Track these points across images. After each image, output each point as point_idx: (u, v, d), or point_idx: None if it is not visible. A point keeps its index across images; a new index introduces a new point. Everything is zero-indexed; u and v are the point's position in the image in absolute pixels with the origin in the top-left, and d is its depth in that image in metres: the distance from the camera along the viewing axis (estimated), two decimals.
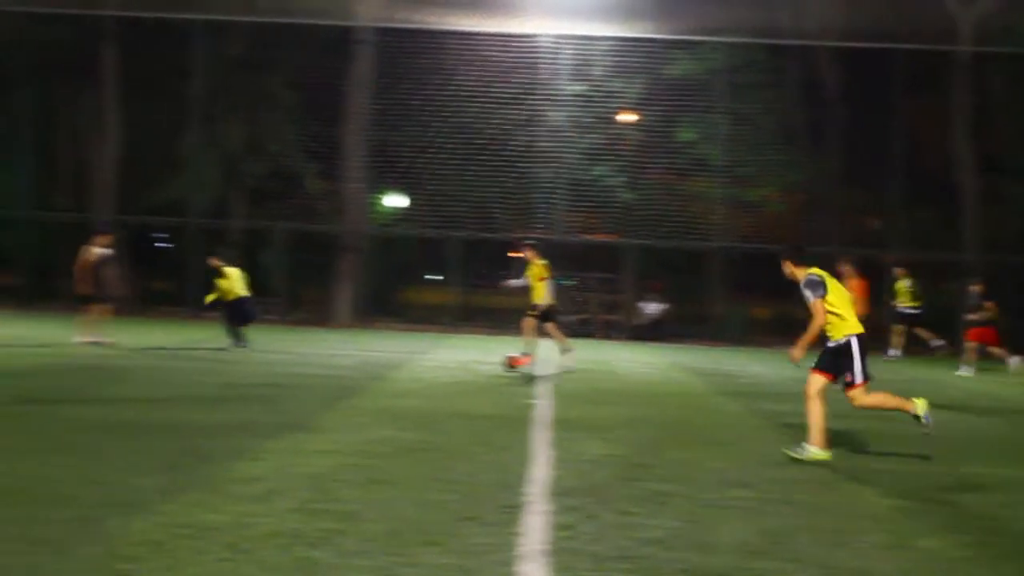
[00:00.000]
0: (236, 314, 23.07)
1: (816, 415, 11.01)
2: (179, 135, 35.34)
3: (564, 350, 21.05)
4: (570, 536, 7.44)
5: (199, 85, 34.88)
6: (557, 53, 34.79)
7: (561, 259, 31.26)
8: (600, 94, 35.08)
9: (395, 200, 37.46)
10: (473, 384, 17.95)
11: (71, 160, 37.09)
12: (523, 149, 34.43)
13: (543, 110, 34.84)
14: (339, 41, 34.43)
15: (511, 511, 8.08)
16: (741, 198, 35.00)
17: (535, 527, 7.63)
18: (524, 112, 34.46)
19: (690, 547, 7.33)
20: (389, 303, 36.94)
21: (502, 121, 34.18)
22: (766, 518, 8.34)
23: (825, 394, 11.11)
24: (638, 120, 35.56)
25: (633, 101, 35.19)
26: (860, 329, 11.21)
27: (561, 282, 29.37)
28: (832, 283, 11.22)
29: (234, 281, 23.06)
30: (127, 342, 22.41)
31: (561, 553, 6.97)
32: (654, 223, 34.00)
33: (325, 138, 34.90)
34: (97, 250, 22.59)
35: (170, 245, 40.36)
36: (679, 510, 8.44)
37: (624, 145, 35.48)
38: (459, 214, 34.20)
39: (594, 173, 34.90)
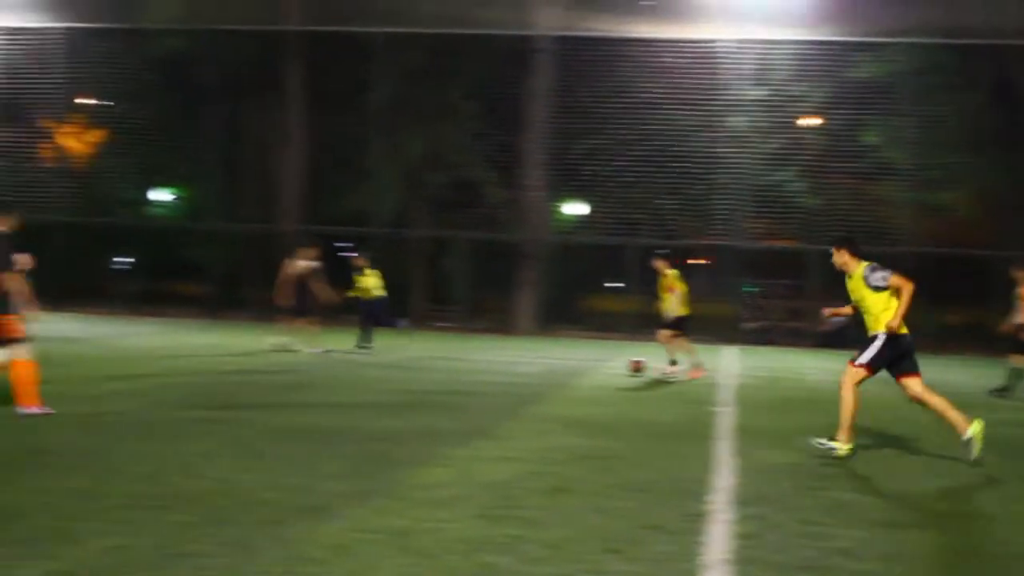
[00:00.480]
0: (370, 314, 24.29)
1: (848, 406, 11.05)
2: (362, 146, 35.95)
3: (674, 361, 20.70)
4: (754, 545, 7.31)
5: (381, 97, 35.40)
6: (738, 58, 34.41)
7: (743, 266, 30.86)
8: (782, 98, 34.58)
9: (575, 207, 37.51)
10: (655, 392, 17.83)
11: (258, 173, 38.06)
12: (703, 155, 34.15)
13: (723, 115, 34.51)
14: (518, 51, 34.62)
15: (694, 519, 7.97)
16: (929, 202, 34.10)
17: (718, 536, 7.52)
18: (704, 118, 34.17)
19: (878, 558, 7.14)
20: (570, 311, 36.98)
21: (682, 127, 33.98)
22: (954, 535, 8.07)
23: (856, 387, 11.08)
24: (821, 124, 34.95)
25: (816, 105, 34.62)
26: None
27: (746, 289, 28.97)
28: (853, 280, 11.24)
29: (373, 281, 24.37)
30: (316, 349, 22.85)
31: (744, 563, 6.85)
32: (838, 228, 33.32)
33: (505, 147, 35.13)
34: (302, 263, 23.09)
35: (353, 254, 41.04)
36: (864, 520, 8.23)
37: (807, 149, 34.91)
38: (639, 220, 34.07)
39: (776, 178, 34.41)
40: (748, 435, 12.61)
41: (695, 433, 12.64)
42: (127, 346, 23.10)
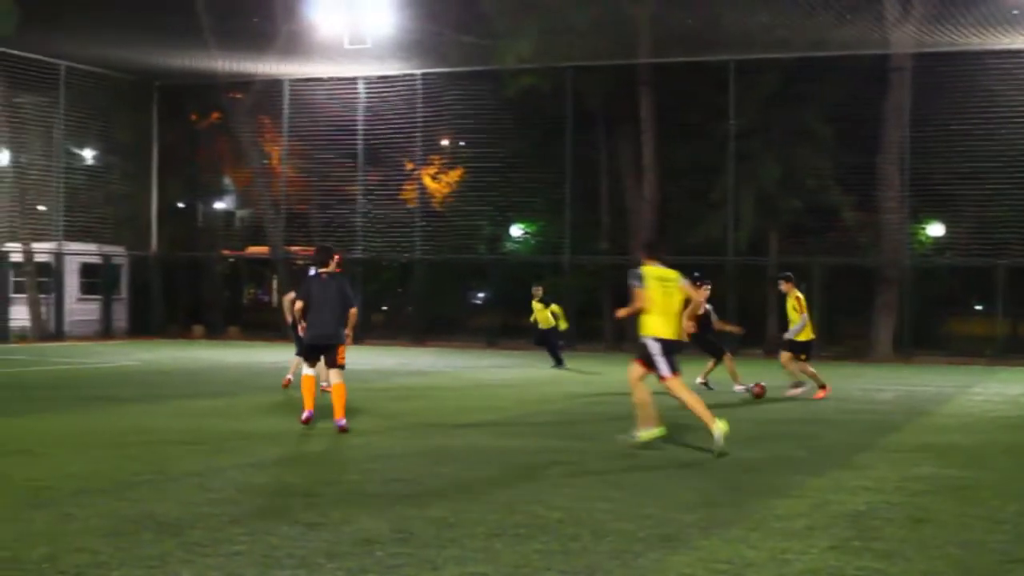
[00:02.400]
0: (549, 342, 27.05)
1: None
2: (715, 174, 35.82)
3: (795, 384, 19.88)
4: None
5: (733, 124, 35.20)
6: None
7: None
8: None
9: (935, 229, 36.17)
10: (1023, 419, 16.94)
11: (611, 205, 38.49)
12: None
13: None
14: (874, 70, 33.71)
15: None
16: None
17: None
18: None
19: None
20: (930, 335, 35.60)
21: None
22: None
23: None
24: None
25: None
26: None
27: None
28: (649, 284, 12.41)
29: (547, 313, 26.86)
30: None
31: None
32: None
33: (861, 169, 34.24)
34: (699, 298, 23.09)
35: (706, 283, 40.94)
36: None
37: None
38: (1005, 240, 32.51)
39: None
40: None
41: None
42: (481, 378, 23.77)
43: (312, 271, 14.73)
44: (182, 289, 41.96)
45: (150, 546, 7.35)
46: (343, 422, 13.67)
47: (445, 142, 40.47)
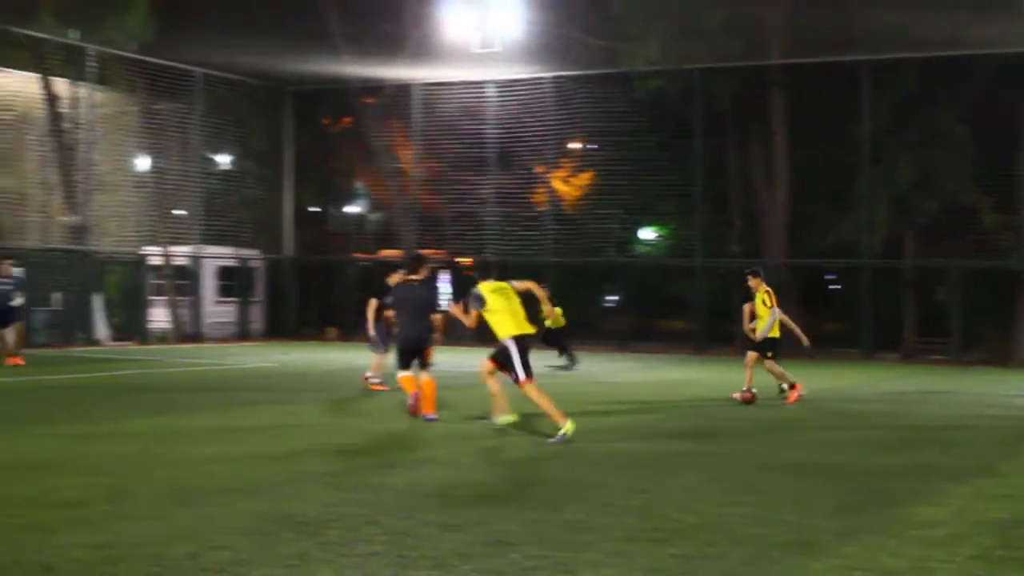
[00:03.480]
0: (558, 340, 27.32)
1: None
2: (848, 176, 35.26)
3: (783, 389, 19.20)
4: None
5: (868, 125, 34.60)
6: None
7: None
8: None
9: None
10: None
11: (741, 207, 38.13)
12: None
13: None
14: (1014, 68, 32.88)
15: None
16: None
17: None
18: None
19: None
20: None
21: None
22: None
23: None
24: None
25: None
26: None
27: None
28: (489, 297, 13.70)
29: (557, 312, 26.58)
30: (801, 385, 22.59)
31: None
32: None
33: (1001, 170, 33.42)
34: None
35: (839, 286, 40.48)
36: None
37: None
38: None
39: None
40: None
41: None
42: (613, 381, 23.71)
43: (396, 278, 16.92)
44: (316, 292, 42.50)
45: (289, 545, 7.46)
46: (433, 415, 14.93)
47: (575, 145, 40.44)
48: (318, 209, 47.86)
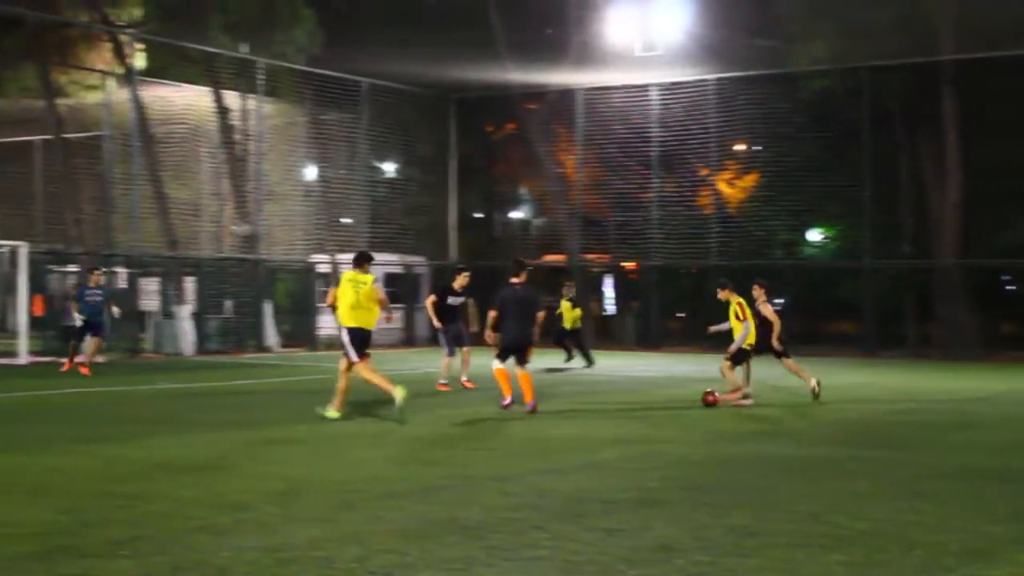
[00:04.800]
0: (574, 340, 28.11)
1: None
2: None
3: (744, 396, 18.31)
4: None
5: None
6: None
7: None
8: None
9: None
10: None
11: (912, 207, 37.26)
12: None
13: None
14: None
15: None
16: None
17: None
18: None
19: None
20: None
21: None
22: None
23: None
24: None
25: None
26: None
27: None
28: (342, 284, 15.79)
29: (575, 313, 27.94)
30: (976, 388, 22.02)
31: None
32: None
33: None
34: None
35: (1014, 287, 39.33)
36: None
37: None
38: None
39: None
40: None
41: None
42: (778, 385, 23.36)
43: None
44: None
45: (455, 549, 7.52)
46: (533, 404, 16.36)
47: (739, 146, 40.04)
48: (481, 215, 48.22)
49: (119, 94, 34.36)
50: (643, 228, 38.75)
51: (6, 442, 13.21)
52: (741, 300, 18.68)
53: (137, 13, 34.62)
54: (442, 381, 20.95)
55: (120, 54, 33.81)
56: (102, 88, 34.85)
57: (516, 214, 49.27)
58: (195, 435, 14.10)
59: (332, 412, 15.63)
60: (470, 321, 23.30)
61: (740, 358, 18.47)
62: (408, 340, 39.37)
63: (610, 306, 45.88)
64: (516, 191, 48.22)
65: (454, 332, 21.26)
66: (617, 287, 45.12)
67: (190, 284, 34.52)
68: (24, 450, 12.55)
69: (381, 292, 16.26)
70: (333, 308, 16.13)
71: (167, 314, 33.91)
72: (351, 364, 15.70)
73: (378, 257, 38.48)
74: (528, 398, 16.39)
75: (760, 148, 39.42)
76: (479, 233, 46.65)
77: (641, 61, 38.31)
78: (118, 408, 18.06)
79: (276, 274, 37.26)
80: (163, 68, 35.37)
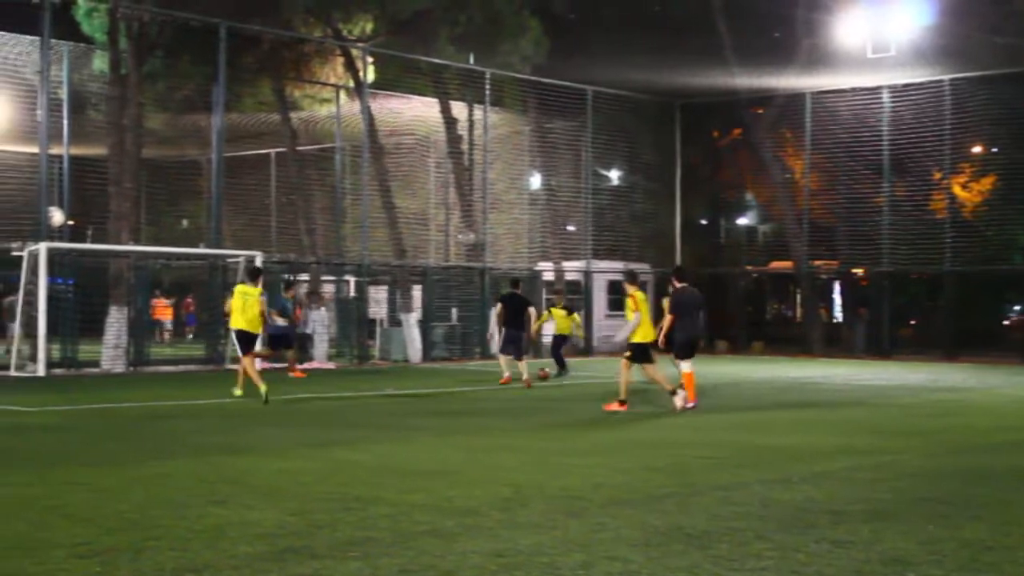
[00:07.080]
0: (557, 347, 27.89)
1: None
2: None
3: (666, 390, 17.86)
4: None
5: None
6: None
7: None
8: None
9: None
10: None
11: None
12: None
13: None
14: None
15: None
16: None
17: None
18: None
19: None
20: None
21: None
22: None
23: None
24: None
25: None
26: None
27: None
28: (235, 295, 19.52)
29: (562, 320, 27.73)
30: None
31: None
32: None
33: None
34: None
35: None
36: None
37: None
38: None
39: None
40: None
41: None
42: (1018, 396, 22.48)
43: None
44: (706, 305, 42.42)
45: (679, 557, 7.42)
46: (695, 403, 17.91)
47: (975, 148, 38.70)
48: (706, 221, 47.82)
49: (350, 107, 35.27)
50: (873, 233, 37.80)
51: (237, 445, 13.64)
52: (635, 293, 18.13)
53: (368, 27, 35.42)
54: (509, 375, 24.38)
55: (352, 68, 34.67)
56: (334, 101, 35.85)
57: (742, 220, 48.72)
58: (421, 440, 14.31)
59: (237, 391, 19.57)
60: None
61: (639, 353, 18.06)
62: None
63: (839, 313, 44.96)
64: (742, 197, 47.68)
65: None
66: (845, 294, 44.15)
67: (417, 292, 35.15)
68: (254, 453, 12.93)
69: (262, 303, 19.35)
70: (227, 314, 19.71)
71: (395, 321, 34.62)
72: (241, 356, 19.38)
73: (602, 265, 38.87)
74: (692, 397, 18.03)
75: (996, 149, 38.04)
76: (705, 240, 46.28)
77: (872, 63, 37.39)
78: (345, 413, 18.46)
79: (501, 282, 37.66)
80: (392, 80, 36.15)
